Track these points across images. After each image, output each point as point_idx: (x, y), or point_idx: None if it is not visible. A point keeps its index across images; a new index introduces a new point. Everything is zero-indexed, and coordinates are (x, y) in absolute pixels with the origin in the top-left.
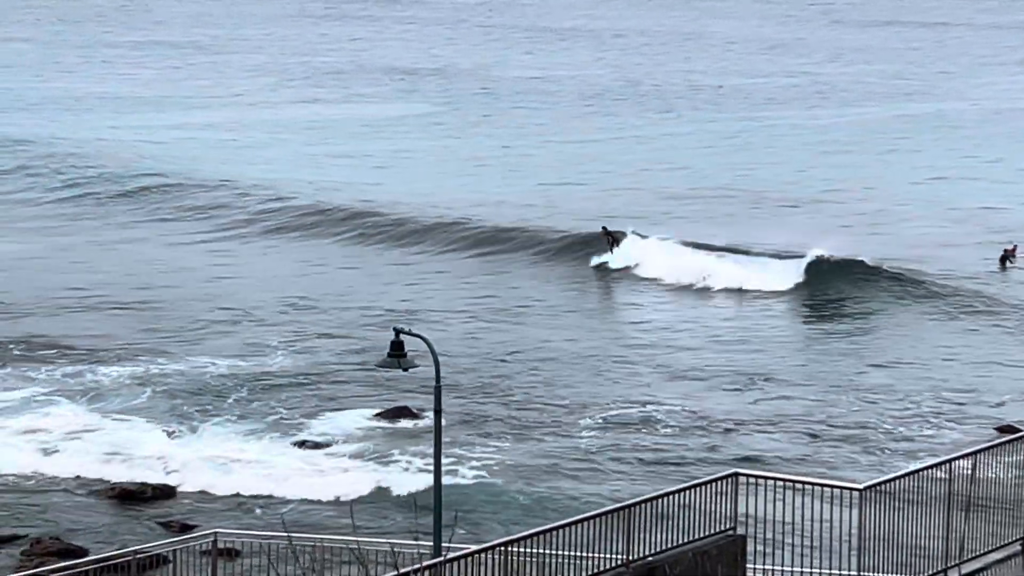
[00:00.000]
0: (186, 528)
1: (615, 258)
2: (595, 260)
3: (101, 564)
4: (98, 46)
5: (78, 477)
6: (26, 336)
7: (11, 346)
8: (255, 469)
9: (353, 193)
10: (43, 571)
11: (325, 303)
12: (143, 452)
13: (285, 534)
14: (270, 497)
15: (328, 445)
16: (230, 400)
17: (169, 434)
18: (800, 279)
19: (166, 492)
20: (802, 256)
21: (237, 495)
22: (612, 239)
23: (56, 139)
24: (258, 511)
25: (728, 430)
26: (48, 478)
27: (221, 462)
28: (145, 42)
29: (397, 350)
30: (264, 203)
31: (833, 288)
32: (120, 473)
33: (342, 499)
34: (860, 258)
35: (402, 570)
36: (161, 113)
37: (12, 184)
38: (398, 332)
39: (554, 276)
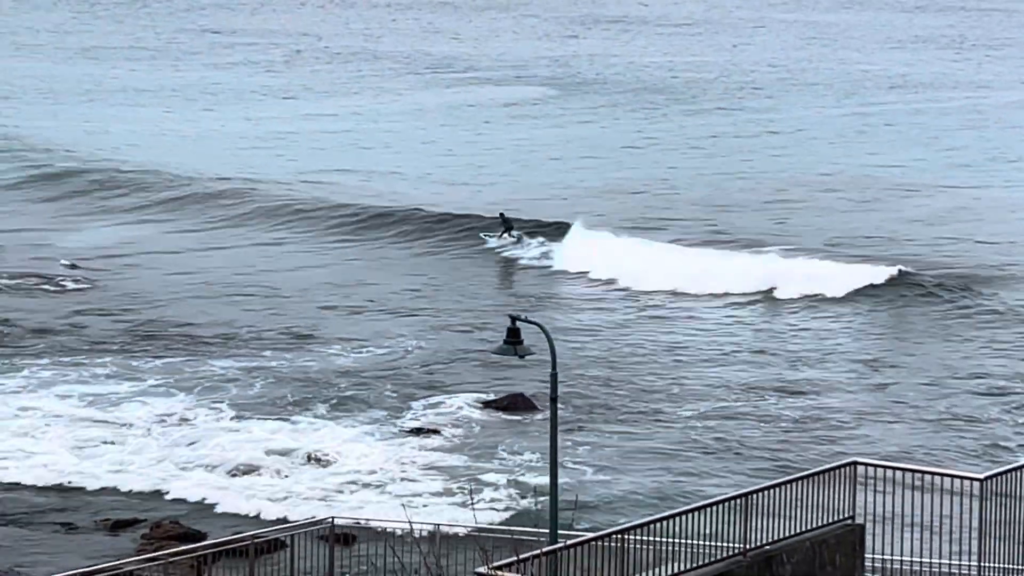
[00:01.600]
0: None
1: (504, 244)
2: (490, 243)
3: (219, 548)
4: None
5: (192, 463)
6: (150, 322)
7: (135, 333)
8: (370, 456)
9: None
10: (162, 555)
11: (444, 292)
12: (257, 437)
13: (402, 520)
14: (384, 484)
15: (441, 432)
16: (343, 388)
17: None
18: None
19: (294, 474)
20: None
21: (352, 482)
22: (507, 226)
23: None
24: (374, 497)
25: (844, 420)
26: (165, 461)
27: (332, 449)
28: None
29: (513, 337)
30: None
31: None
32: (234, 458)
33: (458, 486)
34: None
35: (521, 556)
36: (291, 102)
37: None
38: (514, 319)
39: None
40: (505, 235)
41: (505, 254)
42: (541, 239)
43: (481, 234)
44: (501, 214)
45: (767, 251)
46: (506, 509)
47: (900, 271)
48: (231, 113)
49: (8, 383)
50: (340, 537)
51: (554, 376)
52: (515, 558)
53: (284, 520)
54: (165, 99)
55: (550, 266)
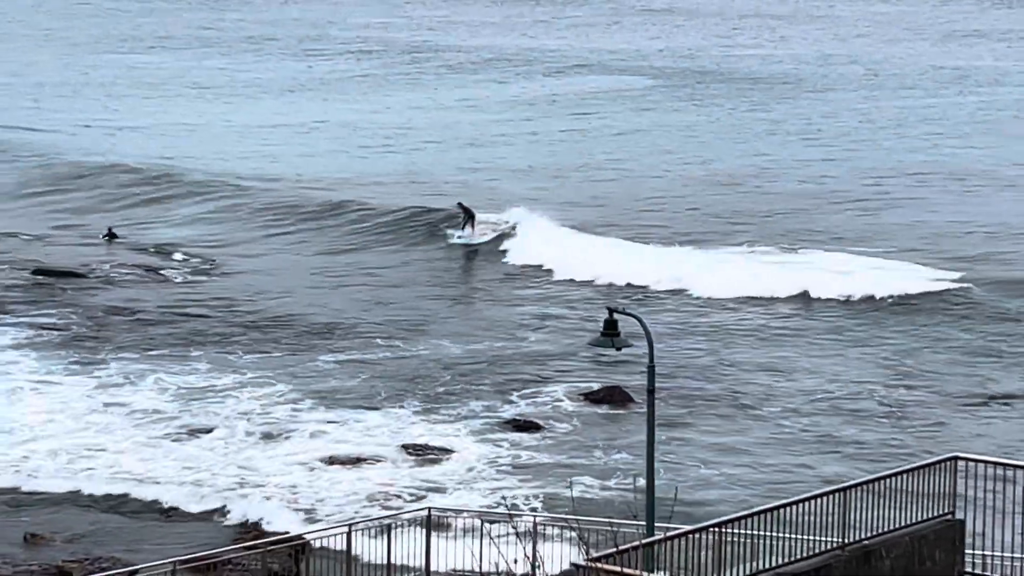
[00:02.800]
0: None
1: (467, 235)
2: (453, 237)
3: (317, 534)
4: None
5: (290, 455)
6: (252, 313)
7: (238, 324)
8: (467, 448)
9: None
10: (261, 543)
11: (541, 283)
12: (356, 429)
13: (499, 510)
14: (481, 475)
15: (538, 424)
16: (442, 381)
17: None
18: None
19: (392, 464)
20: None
21: (449, 473)
22: (467, 215)
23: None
24: (471, 488)
25: (944, 414)
26: (262, 451)
27: (430, 441)
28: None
29: (610, 329)
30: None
31: None
32: (332, 449)
33: (556, 477)
34: None
35: (621, 547)
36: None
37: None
38: (612, 311)
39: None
40: (467, 227)
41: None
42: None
43: (448, 231)
44: (459, 203)
45: (863, 248)
46: (603, 501)
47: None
48: (338, 107)
49: (105, 373)
50: (437, 526)
51: (651, 368)
52: (613, 549)
53: (380, 509)
54: (259, 93)
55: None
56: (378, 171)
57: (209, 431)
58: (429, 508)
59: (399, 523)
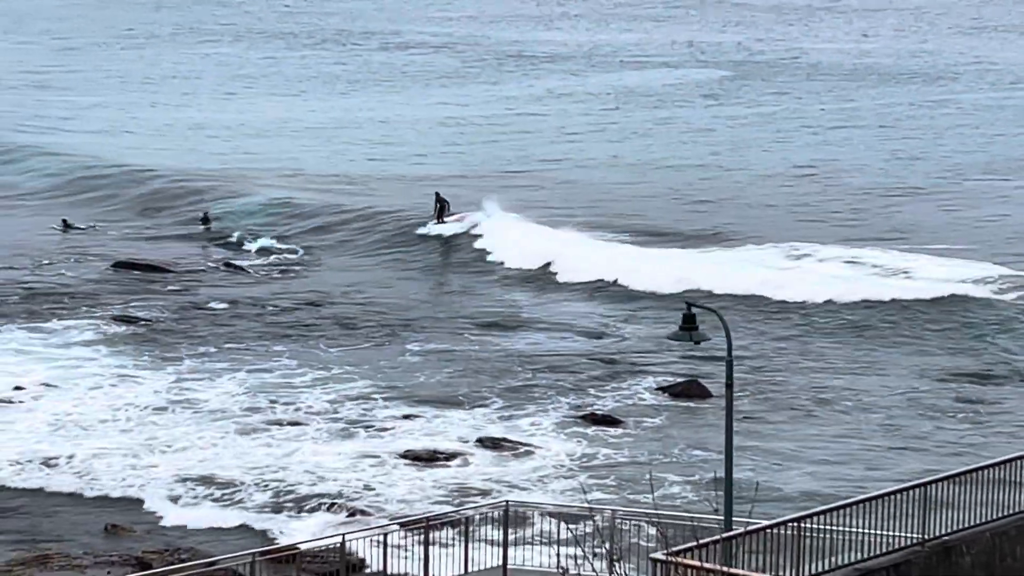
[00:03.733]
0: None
1: (441, 227)
2: (423, 228)
3: (397, 521)
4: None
5: (372, 450)
6: (336, 307)
7: (328, 319)
8: (547, 441)
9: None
10: (341, 533)
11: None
12: (438, 422)
13: (578, 505)
14: (560, 468)
15: (617, 417)
16: (523, 375)
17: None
18: None
19: (466, 458)
20: None
21: (529, 466)
22: (441, 206)
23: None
24: (550, 481)
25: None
26: (345, 444)
27: (511, 435)
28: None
29: (689, 323)
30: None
31: None
32: (412, 443)
33: (635, 471)
34: None
35: (701, 541)
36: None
37: None
38: (690, 305)
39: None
40: (441, 218)
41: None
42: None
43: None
44: (436, 193)
45: (944, 247)
46: (682, 496)
47: None
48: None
49: (186, 368)
50: (514, 521)
51: (729, 363)
52: (694, 543)
53: (459, 502)
54: (360, 87)
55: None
56: (463, 165)
57: (288, 425)
58: (507, 502)
59: (477, 514)
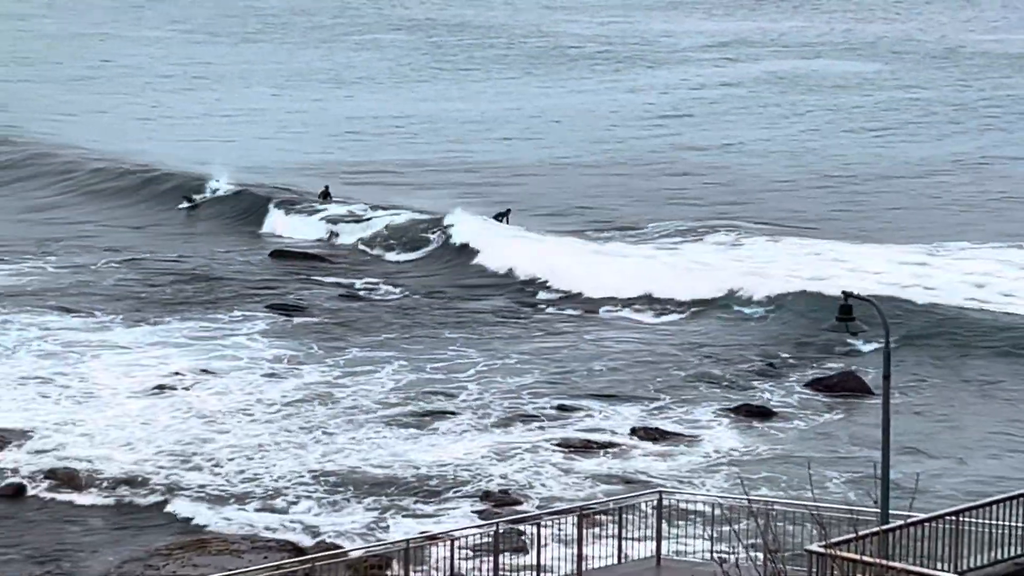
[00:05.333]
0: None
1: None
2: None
3: (548, 514)
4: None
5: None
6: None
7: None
8: (700, 433)
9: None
10: (492, 522)
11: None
12: (595, 412)
13: (733, 495)
14: (714, 458)
15: (771, 410)
16: (677, 368)
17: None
18: None
19: (619, 449)
20: None
21: (682, 458)
22: (325, 195)
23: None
24: (702, 472)
25: None
26: (497, 435)
27: (662, 426)
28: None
29: (846, 314)
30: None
31: None
32: (562, 434)
33: (791, 463)
34: None
35: (860, 533)
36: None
37: None
38: (847, 296)
39: None
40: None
41: None
42: None
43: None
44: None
45: None
46: (837, 488)
47: None
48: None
49: (344, 359)
50: (668, 511)
51: (887, 355)
52: (851, 536)
53: (612, 492)
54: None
55: None
56: (637, 151)
57: (446, 415)
58: (660, 492)
59: (629, 505)
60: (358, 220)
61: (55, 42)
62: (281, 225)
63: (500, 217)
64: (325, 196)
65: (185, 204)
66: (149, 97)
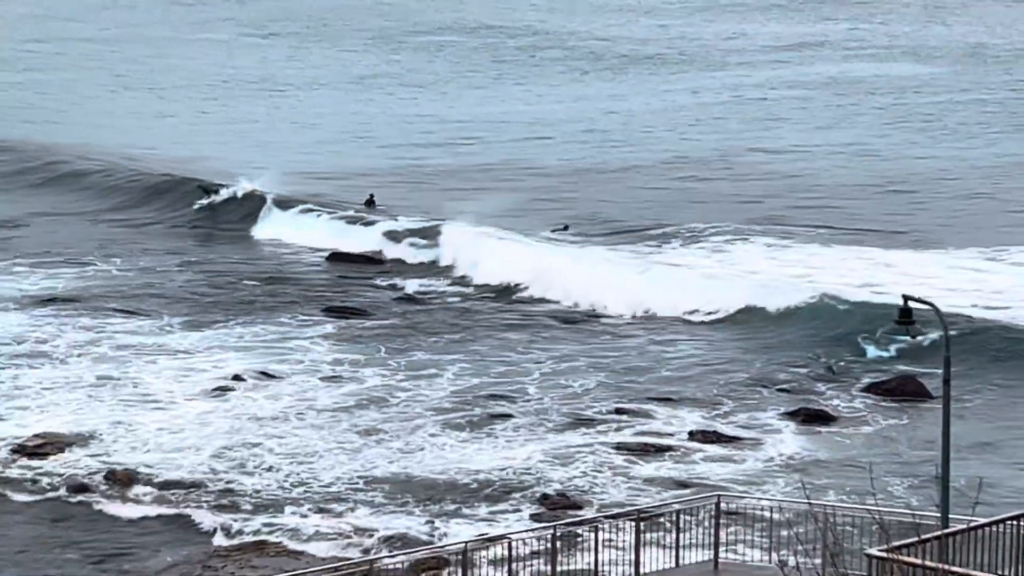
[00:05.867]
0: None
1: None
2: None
3: (606, 517)
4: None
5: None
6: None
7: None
8: (757, 437)
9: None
10: (549, 525)
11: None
12: (652, 416)
13: (792, 499)
14: (771, 462)
15: (830, 414)
16: (731, 373)
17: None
18: None
19: (677, 453)
20: None
21: (740, 461)
22: (370, 203)
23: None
24: (761, 476)
25: None
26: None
27: (720, 430)
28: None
29: (905, 317)
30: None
31: None
32: (626, 437)
33: (850, 467)
34: None
35: (924, 536)
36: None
37: None
38: (907, 299)
39: None
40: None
41: None
42: None
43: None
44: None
45: None
46: (898, 492)
47: None
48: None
49: (406, 360)
50: (726, 513)
51: (947, 359)
52: (912, 540)
53: (670, 496)
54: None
55: None
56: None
57: (503, 417)
58: (718, 496)
59: (687, 508)
60: (409, 230)
61: (114, 46)
62: (325, 233)
63: (559, 230)
64: (370, 204)
65: (204, 200)
66: (214, 101)
